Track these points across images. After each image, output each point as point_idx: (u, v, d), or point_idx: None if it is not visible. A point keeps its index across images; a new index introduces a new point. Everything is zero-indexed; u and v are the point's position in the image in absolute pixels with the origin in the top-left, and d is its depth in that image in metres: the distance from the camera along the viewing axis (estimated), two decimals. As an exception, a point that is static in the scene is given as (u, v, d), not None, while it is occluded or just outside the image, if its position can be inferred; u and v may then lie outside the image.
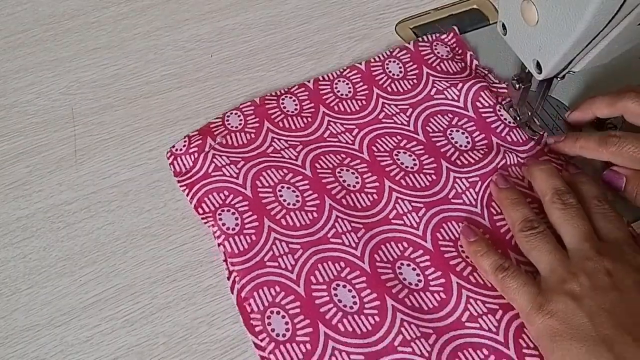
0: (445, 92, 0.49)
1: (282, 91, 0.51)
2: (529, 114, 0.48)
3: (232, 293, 0.41)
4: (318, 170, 0.45)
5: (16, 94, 0.53)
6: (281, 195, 0.44)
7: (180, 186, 0.46)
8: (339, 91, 0.50)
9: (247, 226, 0.43)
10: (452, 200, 0.45)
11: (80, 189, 0.47)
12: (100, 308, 0.42)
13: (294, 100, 0.50)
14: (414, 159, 0.46)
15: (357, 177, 0.45)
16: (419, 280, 0.41)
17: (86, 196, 0.47)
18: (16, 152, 0.49)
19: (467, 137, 0.48)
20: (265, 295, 0.40)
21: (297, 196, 0.44)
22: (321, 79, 0.51)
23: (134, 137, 0.50)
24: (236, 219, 0.43)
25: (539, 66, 0.42)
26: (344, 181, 0.45)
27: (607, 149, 0.43)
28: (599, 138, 0.44)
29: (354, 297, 0.40)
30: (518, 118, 0.49)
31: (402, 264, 0.42)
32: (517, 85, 0.47)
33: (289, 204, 0.44)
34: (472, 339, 0.39)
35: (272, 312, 0.40)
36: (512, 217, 0.42)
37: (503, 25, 0.44)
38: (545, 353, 0.38)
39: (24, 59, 0.55)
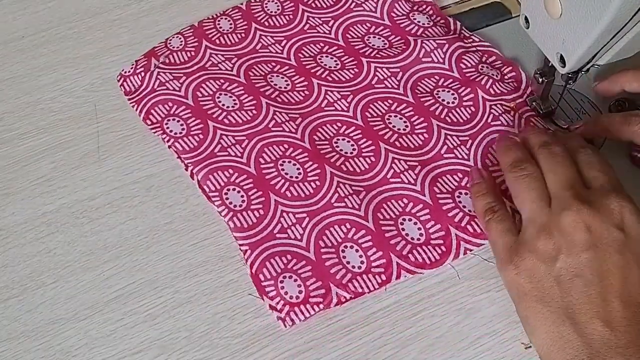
0: (432, 55, 0.51)
1: (218, 14, 0.56)
2: (553, 107, 0.48)
3: (246, 263, 0.43)
4: (316, 142, 0.47)
5: (40, 91, 0.54)
6: (283, 169, 0.46)
7: (130, 103, 0.51)
8: (268, 9, 0.55)
9: (253, 202, 0.45)
10: (445, 156, 0.46)
11: (103, 185, 0.48)
12: (123, 302, 0.42)
13: (228, 20, 0.55)
14: (405, 122, 0.48)
15: (353, 145, 0.47)
16: (421, 234, 0.43)
17: (109, 192, 0.48)
18: (41, 148, 0.50)
19: (453, 95, 0.49)
20: (278, 264, 0.42)
21: (298, 169, 0.46)
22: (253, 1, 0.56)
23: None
24: (242, 196, 0.45)
25: (562, 60, 0.41)
26: (341, 150, 0.47)
27: (629, 127, 0.42)
28: (621, 116, 0.43)
29: (361, 256, 0.42)
30: (541, 111, 0.48)
31: (404, 219, 0.43)
32: (541, 79, 0.47)
33: (291, 177, 0.46)
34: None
35: (284, 277, 0.41)
36: (504, 159, 0.42)
37: (526, 18, 0.43)
38: (514, 303, 0.38)
39: (48, 57, 0.56)
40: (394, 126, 0.48)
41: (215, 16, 0.55)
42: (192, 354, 0.40)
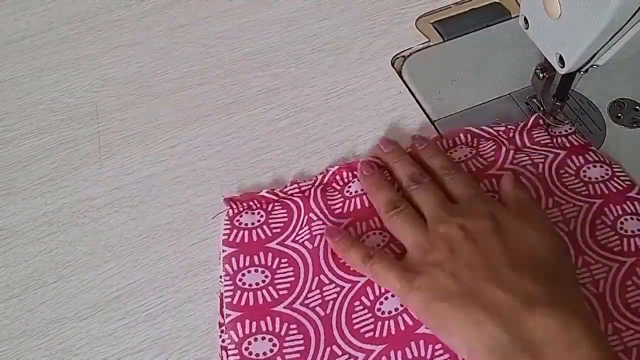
0: None
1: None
2: (552, 104, 0.48)
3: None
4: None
5: (41, 91, 0.54)
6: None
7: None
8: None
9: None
10: None
11: (104, 185, 0.48)
12: (124, 302, 0.43)
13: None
14: None
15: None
16: None
17: (110, 192, 0.48)
18: (42, 148, 0.50)
19: None
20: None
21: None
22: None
23: (156, 134, 0.51)
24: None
25: (561, 60, 0.41)
26: None
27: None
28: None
29: None
30: (542, 108, 0.48)
31: None
32: (541, 75, 0.47)
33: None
34: None
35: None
36: (377, 202, 0.44)
37: (525, 19, 0.43)
38: (427, 325, 0.38)
39: (49, 57, 0.56)
40: None
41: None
42: (192, 354, 0.40)
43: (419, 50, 0.55)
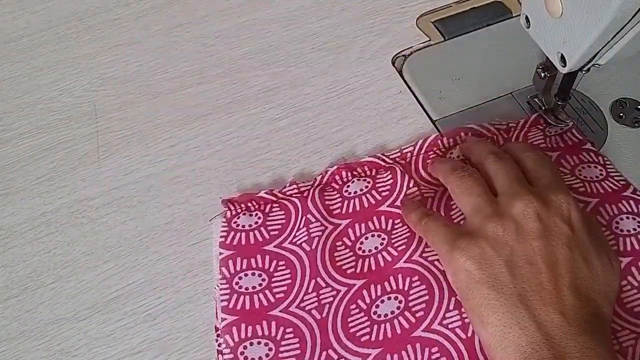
0: None
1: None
2: (554, 103, 0.47)
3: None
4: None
5: (40, 91, 0.54)
6: None
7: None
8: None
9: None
10: None
11: (103, 185, 0.48)
12: (123, 302, 0.42)
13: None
14: None
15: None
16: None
17: (109, 192, 0.47)
18: (40, 148, 0.50)
19: None
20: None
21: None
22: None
23: (155, 133, 0.51)
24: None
25: (563, 59, 0.41)
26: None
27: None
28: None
29: None
30: (543, 107, 0.48)
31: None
32: (543, 74, 0.46)
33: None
34: None
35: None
36: (442, 168, 0.42)
37: (526, 17, 0.43)
38: (459, 293, 0.37)
39: (47, 57, 0.56)
40: None
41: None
42: (192, 354, 0.40)
43: (419, 50, 0.55)
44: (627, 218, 0.42)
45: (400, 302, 0.40)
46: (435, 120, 0.50)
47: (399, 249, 0.42)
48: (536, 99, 0.49)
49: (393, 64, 0.54)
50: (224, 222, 0.44)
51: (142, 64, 0.55)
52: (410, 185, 0.45)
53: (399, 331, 0.39)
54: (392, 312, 0.40)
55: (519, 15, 0.44)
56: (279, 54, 0.55)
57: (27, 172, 0.49)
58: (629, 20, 0.36)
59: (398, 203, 0.44)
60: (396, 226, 0.43)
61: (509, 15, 0.56)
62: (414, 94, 0.52)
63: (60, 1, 0.60)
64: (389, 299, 0.40)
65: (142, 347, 0.41)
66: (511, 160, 0.41)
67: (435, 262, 0.41)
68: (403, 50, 0.55)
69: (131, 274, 0.44)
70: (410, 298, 0.40)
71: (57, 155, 0.50)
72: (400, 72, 0.53)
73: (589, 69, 0.43)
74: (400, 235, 0.43)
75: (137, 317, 0.42)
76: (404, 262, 0.42)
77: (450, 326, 0.39)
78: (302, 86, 0.53)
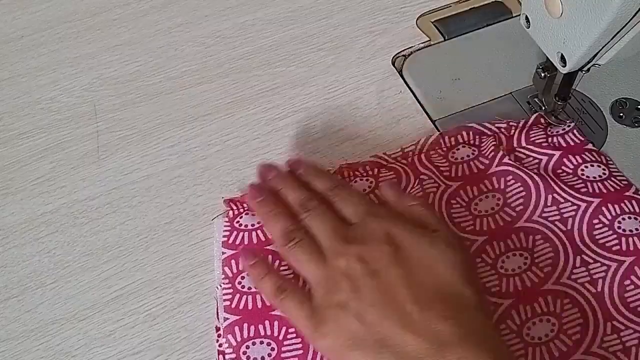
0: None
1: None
2: (554, 103, 0.47)
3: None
4: None
5: (40, 91, 0.54)
6: None
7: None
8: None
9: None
10: None
11: (102, 185, 0.48)
12: (123, 302, 0.42)
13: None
14: None
15: None
16: None
17: (109, 192, 0.47)
18: (40, 148, 0.50)
19: None
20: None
21: None
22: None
23: (155, 133, 0.51)
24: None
25: (563, 59, 0.41)
26: None
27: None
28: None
29: None
30: (543, 107, 0.48)
31: None
32: (543, 74, 0.46)
33: None
34: None
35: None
36: (273, 234, 0.41)
37: (526, 17, 0.43)
38: None
39: (47, 57, 0.56)
40: None
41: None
42: (191, 354, 0.40)
43: (419, 49, 0.55)
44: (629, 218, 0.42)
45: None
46: (435, 120, 0.50)
47: None
48: (536, 99, 0.49)
49: (393, 64, 0.54)
50: (226, 221, 0.44)
51: (142, 64, 0.55)
52: (414, 183, 0.45)
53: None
54: None
55: (519, 15, 0.44)
56: (279, 54, 0.55)
57: (26, 172, 0.49)
58: (629, 21, 0.36)
59: None
60: None
61: (509, 15, 0.56)
62: (414, 94, 0.52)
63: (60, 1, 0.60)
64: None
65: (142, 347, 0.41)
66: (319, 209, 0.40)
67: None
68: (403, 50, 0.55)
69: (131, 274, 0.43)
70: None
71: (56, 155, 0.50)
72: (400, 72, 0.53)
73: (589, 69, 0.43)
74: None
75: (137, 317, 0.42)
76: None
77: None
78: (302, 86, 0.53)
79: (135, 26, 0.58)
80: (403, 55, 0.55)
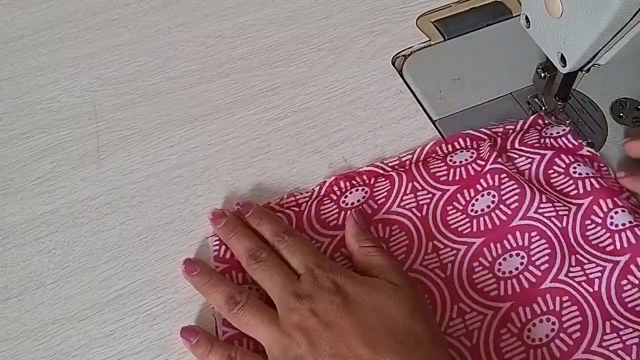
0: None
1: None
2: (554, 103, 0.47)
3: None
4: None
5: (40, 91, 0.54)
6: None
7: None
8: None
9: None
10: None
11: (102, 185, 0.48)
12: (123, 302, 0.42)
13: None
14: None
15: None
16: None
17: (109, 192, 0.47)
18: (40, 148, 0.50)
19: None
20: None
21: None
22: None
23: (155, 133, 0.51)
24: None
25: (563, 59, 0.41)
26: None
27: None
28: None
29: None
30: (543, 108, 0.48)
31: None
32: (543, 75, 0.46)
33: None
34: None
35: None
36: (214, 301, 0.40)
37: (526, 17, 0.43)
38: None
39: (47, 57, 0.56)
40: None
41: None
42: (191, 355, 0.40)
43: (419, 49, 0.55)
44: (623, 212, 0.42)
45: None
46: (435, 120, 0.50)
47: (399, 258, 0.42)
48: (536, 99, 0.49)
49: (393, 64, 0.54)
50: (215, 236, 0.44)
51: (142, 64, 0.55)
52: (408, 191, 0.45)
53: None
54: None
55: (519, 15, 0.44)
56: (278, 54, 0.55)
57: (26, 172, 0.49)
58: (629, 21, 0.36)
59: (395, 209, 0.44)
60: (393, 233, 0.44)
61: (509, 15, 0.56)
62: (414, 94, 0.52)
63: (60, 1, 0.60)
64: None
65: (142, 347, 0.41)
66: (269, 260, 0.40)
67: (436, 270, 0.41)
68: (403, 50, 0.55)
69: (131, 274, 0.43)
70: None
71: (56, 155, 0.50)
72: (400, 72, 0.53)
73: (589, 69, 0.43)
74: (398, 244, 0.43)
75: (137, 317, 0.42)
76: (406, 270, 0.42)
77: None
78: (302, 86, 0.53)
79: (135, 26, 0.58)
80: (403, 55, 0.55)
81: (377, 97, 0.52)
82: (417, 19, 0.57)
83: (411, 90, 0.52)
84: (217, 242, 0.43)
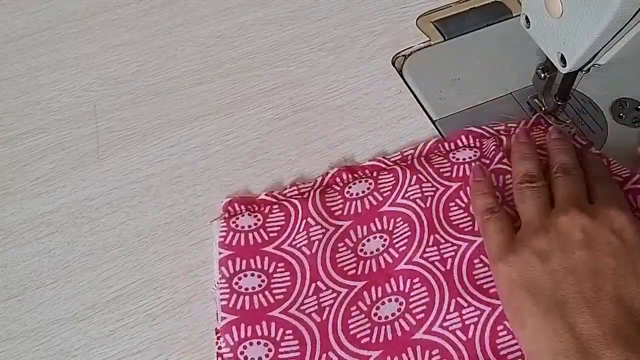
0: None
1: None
2: (554, 104, 0.47)
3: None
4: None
5: (40, 91, 0.54)
6: None
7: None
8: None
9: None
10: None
11: (102, 185, 0.48)
12: (123, 302, 0.42)
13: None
14: None
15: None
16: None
17: (109, 192, 0.47)
18: (40, 148, 0.50)
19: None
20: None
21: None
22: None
23: (155, 133, 0.51)
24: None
25: (563, 59, 0.41)
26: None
27: None
28: None
29: None
30: (543, 108, 0.48)
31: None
32: (542, 75, 0.46)
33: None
34: None
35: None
36: (515, 170, 0.43)
37: (526, 17, 0.43)
38: (502, 301, 0.38)
39: (47, 57, 0.56)
40: None
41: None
42: (191, 355, 0.40)
43: (419, 50, 0.55)
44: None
45: (401, 304, 0.40)
46: (435, 120, 0.50)
47: (400, 250, 0.42)
48: (536, 100, 0.49)
49: (393, 64, 0.54)
50: (223, 222, 0.44)
51: (142, 64, 0.55)
52: (413, 182, 0.45)
53: (399, 333, 0.39)
54: (393, 314, 0.40)
55: (519, 15, 0.44)
56: (278, 54, 0.55)
57: (26, 172, 0.49)
58: (629, 21, 0.36)
59: (399, 201, 0.44)
60: (397, 225, 0.43)
61: (509, 15, 0.56)
62: (414, 94, 0.52)
63: (60, 1, 0.60)
64: (390, 300, 0.40)
65: (142, 347, 0.41)
66: (576, 177, 0.41)
67: (436, 263, 0.41)
68: (403, 50, 0.55)
69: (131, 274, 0.43)
70: (410, 300, 0.40)
71: (57, 155, 0.50)
72: (400, 72, 0.53)
73: (589, 69, 0.43)
74: (401, 235, 0.43)
75: (137, 317, 0.42)
76: (405, 263, 0.42)
77: (450, 328, 0.39)
78: (302, 86, 0.53)
79: (135, 26, 0.58)
80: (403, 55, 0.55)
81: (377, 97, 0.52)
82: (417, 19, 0.57)
83: (411, 90, 0.52)
84: (225, 229, 0.44)
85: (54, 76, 0.55)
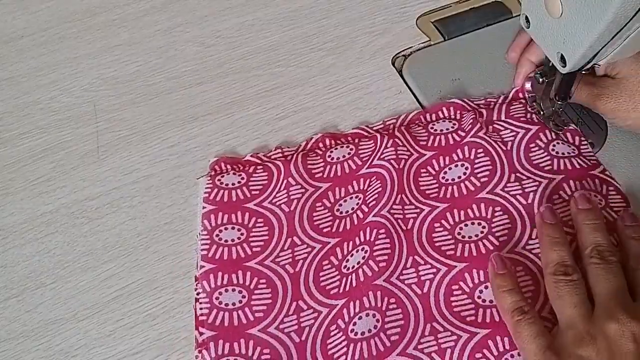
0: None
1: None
2: (553, 108, 0.47)
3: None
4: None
5: (40, 91, 0.54)
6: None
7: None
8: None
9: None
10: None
11: (102, 185, 0.48)
12: (123, 302, 0.42)
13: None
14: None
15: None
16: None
17: (109, 192, 0.47)
18: (40, 148, 0.50)
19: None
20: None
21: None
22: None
23: (155, 133, 0.51)
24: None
25: (563, 59, 0.41)
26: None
27: None
28: None
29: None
30: (542, 112, 0.48)
31: None
32: (541, 79, 0.46)
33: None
34: None
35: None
36: (547, 257, 0.39)
37: (526, 17, 0.43)
38: None
39: (47, 57, 0.56)
40: None
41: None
42: (191, 354, 0.40)
43: (419, 50, 0.55)
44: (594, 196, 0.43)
45: (365, 252, 0.42)
46: (435, 120, 0.50)
47: (370, 204, 0.44)
48: (534, 103, 0.49)
49: (393, 64, 0.54)
50: (208, 179, 0.46)
51: (142, 64, 0.55)
52: (389, 145, 0.46)
53: (362, 279, 0.41)
54: (359, 263, 0.42)
55: (519, 15, 0.44)
56: (278, 54, 0.55)
57: (27, 172, 0.49)
58: (629, 21, 0.36)
59: (375, 162, 0.46)
60: (372, 184, 0.45)
61: (509, 15, 0.56)
62: (413, 94, 0.52)
63: (60, 1, 0.60)
64: (357, 251, 0.42)
65: (142, 347, 0.41)
66: (617, 267, 0.38)
67: (399, 220, 0.43)
68: (403, 50, 0.55)
69: (131, 274, 0.43)
70: (375, 248, 0.42)
71: (57, 155, 0.50)
72: (400, 72, 0.53)
73: (589, 69, 0.43)
74: (372, 193, 0.44)
75: (137, 317, 0.42)
76: (373, 216, 0.43)
77: (407, 282, 0.41)
78: (302, 86, 0.53)
79: (135, 26, 0.58)
80: (403, 55, 0.55)
81: (377, 97, 0.52)
82: (417, 19, 0.57)
83: (411, 90, 0.52)
84: (210, 185, 0.46)
85: (54, 76, 0.55)
